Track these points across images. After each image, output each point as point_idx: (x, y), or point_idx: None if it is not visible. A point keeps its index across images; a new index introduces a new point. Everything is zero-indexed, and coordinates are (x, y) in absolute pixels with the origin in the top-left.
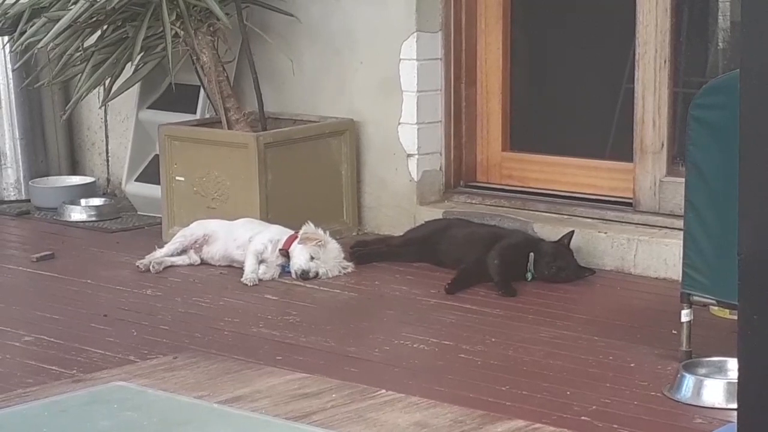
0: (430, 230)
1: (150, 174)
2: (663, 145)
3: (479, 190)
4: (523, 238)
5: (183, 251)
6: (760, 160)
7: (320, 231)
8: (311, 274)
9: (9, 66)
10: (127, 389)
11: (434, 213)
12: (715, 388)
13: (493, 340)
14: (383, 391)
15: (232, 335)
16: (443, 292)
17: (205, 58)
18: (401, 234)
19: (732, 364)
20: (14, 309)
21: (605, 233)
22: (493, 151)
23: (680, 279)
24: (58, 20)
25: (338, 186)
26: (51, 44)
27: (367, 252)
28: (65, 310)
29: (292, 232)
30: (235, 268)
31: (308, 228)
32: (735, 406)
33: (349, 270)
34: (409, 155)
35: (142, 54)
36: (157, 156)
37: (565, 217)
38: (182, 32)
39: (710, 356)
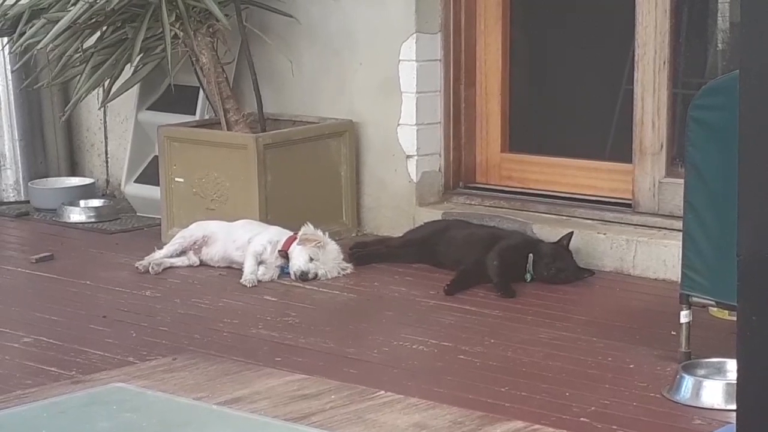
0: (429, 231)
1: (149, 175)
2: (662, 146)
3: (478, 191)
4: (522, 239)
5: (182, 252)
6: (760, 161)
7: (319, 232)
8: (310, 276)
9: (8, 67)
10: (126, 390)
11: (433, 214)
12: (714, 389)
13: (492, 341)
14: (382, 392)
15: (231, 336)
16: (442, 293)
17: (205, 59)
18: (400, 235)
19: (731, 365)
20: (13, 310)
21: (604, 234)
22: (492, 152)
23: (679, 280)
24: (57, 21)
25: (337, 187)
26: (50, 45)
27: (366, 253)
28: (64, 312)
29: (292, 233)
30: (234, 269)
31: (307, 229)
32: (734, 407)
33: (349, 271)
34: (408, 156)
35: (141, 55)
36: (156, 157)
37: (565, 218)
38: (181, 33)
39: (709, 357)
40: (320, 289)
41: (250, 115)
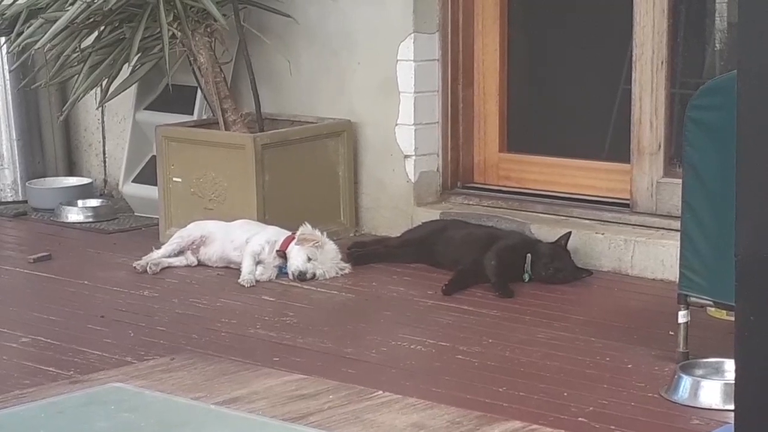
0: (427, 231)
1: (147, 175)
2: (660, 146)
3: (476, 191)
4: (520, 239)
5: (180, 252)
6: (758, 161)
7: (317, 232)
8: (308, 275)
9: (6, 67)
10: (124, 390)
11: (431, 214)
12: (712, 390)
13: (490, 341)
14: (380, 392)
15: (229, 336)
16: (440, 293)
17: (202, 59)
18: (398, 235)
19: (729, 365)
20: (11, 310)
21: (602, 234)
22: (490, 152)
23: (677, 280)
24: (55, 21)
25: (335, 187)
26: (48, 45)
27: (364, 253)
28: (62, 311)
29: (290, 233)
30: (232, 269)
31: (305, 229)
32: (732, 407)
33: (347, 271)
34: (406, 156)
35: (139, 55)
36: (154, 157)
37: (562, 218)
38: (179, 33)
39: (707, 357)
40: (318, 289)
41: (248, 115)
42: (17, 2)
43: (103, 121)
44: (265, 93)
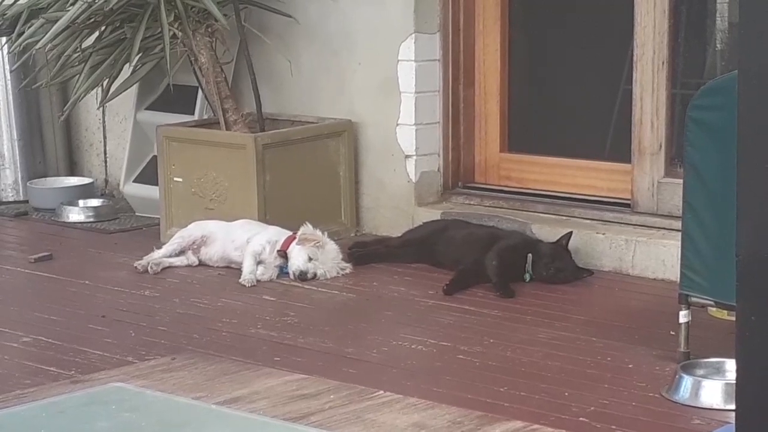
0: (428, 231)
1: (148, 175)
2: (661, 146)
3: (477, 191)
4: (521, 239)
5: (181, 252)
6: (759, 161)
7: (318, 232)
8: (309, 275)
9: (7, 67)
10: (125, 390)
11: (432, 214)
12: (713, 389)
13: (491, 341)
14: (381, 392)
15: (230, 336)
16: (441, 293)
17: (203, 59)
18: (399, 235)
19: (730, 365)
20: (12, 310)
21: (603, 234)
22: (491, 152)
23: (678, 280)
24: (56, 21)
25: (336, 187)
26: (49, 45)
27: (365, 253)
28: (63, 311)
29: (290, 233)
30: (233, 269)
31: (306, 229)
32: (733, 407)
33: (348, 271)
34: (407, 156)
35: (140, 55)
36: (155, 157)
37: (564, 218)
38: (180, 33)
39: (708, 357)
40: (319, 289)
41: (248, 115)
42: (18, 2)
43: (104, 121)
44: (265, 93)
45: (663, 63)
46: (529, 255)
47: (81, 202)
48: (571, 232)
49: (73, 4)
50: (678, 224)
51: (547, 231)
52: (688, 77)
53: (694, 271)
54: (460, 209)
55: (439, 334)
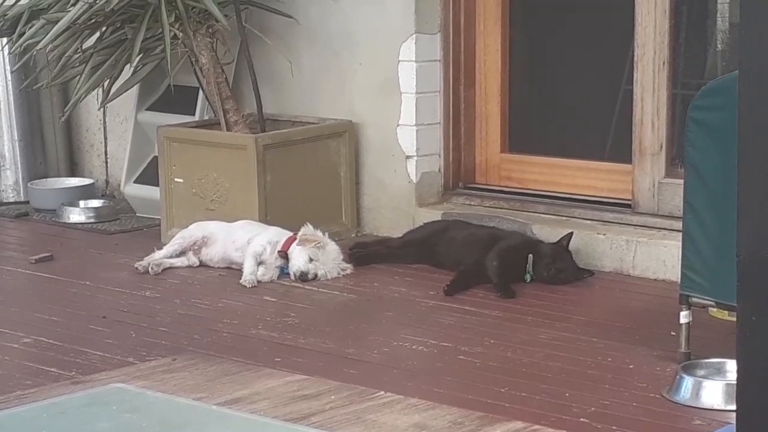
0: (429, 232)
1: (149, 175)
2: (662, 146)
3: (478, 192)
4: (522, 239)
5: (182, 253)
6: (759, 162)
7: (319, 232)
8: (310, 276)
9: (8, 67)
10: (126, 391)
11: (433, 214)
12: (713, 390)
13: (492, 341)
14: (382, 392)
15: (230, 337)
16: (442, 293)
17: (204, 59)
18: (400, 235)
19: (731, 366)
20: (13, 311)
21: (604, 235)
22: (491, 153)
23: (679, 280)
24: (57, 22)
25: (337, 187)
26: (50, 46)
27: (366, 253)
28: (64, 312)
29: (291, 233)
30: (233, 269)
31: (307, 229)
32: (734, 407)
33: (348, 271)
34: (407, 157)
35: (140, 56)
36: (155, 158)
37: (564, 218)
38: (181, 34)
39: (709, 358)
40: (320, 290)
41: (249, 116)
42: (19, 3)
43: (104, 122)
44: (266, 93)
45: (664, 63)
46: (530, 255)
47: (82, 203)
48: (571, 233)
49: (74, 5)
50: (679, 225)
51: (547, 231)
52: (688, 77)
53: (695, 271)
54: (461, 210)
55: (439, 334)
